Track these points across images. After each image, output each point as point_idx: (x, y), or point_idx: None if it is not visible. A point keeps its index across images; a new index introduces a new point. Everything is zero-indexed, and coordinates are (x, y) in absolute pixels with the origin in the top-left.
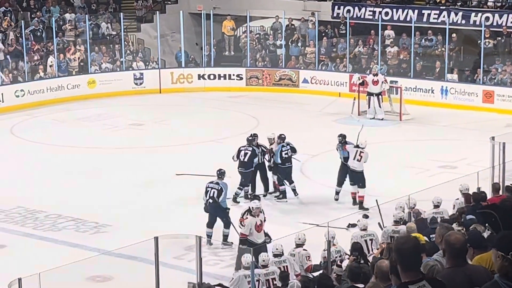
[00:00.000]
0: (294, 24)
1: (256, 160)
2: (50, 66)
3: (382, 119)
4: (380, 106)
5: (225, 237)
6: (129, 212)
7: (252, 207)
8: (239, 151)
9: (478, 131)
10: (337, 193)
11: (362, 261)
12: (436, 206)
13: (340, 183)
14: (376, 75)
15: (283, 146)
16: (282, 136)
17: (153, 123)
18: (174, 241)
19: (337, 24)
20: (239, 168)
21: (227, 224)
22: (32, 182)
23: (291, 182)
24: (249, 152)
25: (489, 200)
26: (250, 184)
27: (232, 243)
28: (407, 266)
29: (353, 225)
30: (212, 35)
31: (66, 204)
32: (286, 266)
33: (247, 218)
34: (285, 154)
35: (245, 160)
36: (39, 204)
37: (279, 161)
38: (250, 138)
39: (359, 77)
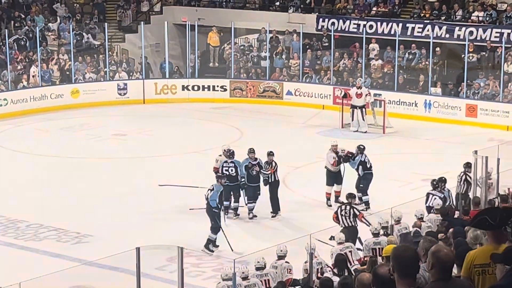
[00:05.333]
0: (278, 36)
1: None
2: (33, 76)
3: (365, 132)
4: (363, 119)
5: (208, 241)
6: (111, 222)
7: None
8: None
9: (461, 144)
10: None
11: (346, 273)
12: (420, 219)
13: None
14: (360, 88)
15: (225, 162)
16: (231, 151)
17: (136, 133)
18: (156, 252)
19: (321, 37)
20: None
21: (214, 228)
22: (14, 192)
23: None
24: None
25: (471, 214)
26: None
27: (213, 251)
28: (405, 273)
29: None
30: (197, 46)
31: (48, 214)
32: (268, 280)
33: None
34: (225, 170)
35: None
36: (20, 214)
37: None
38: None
39: (341, 90)
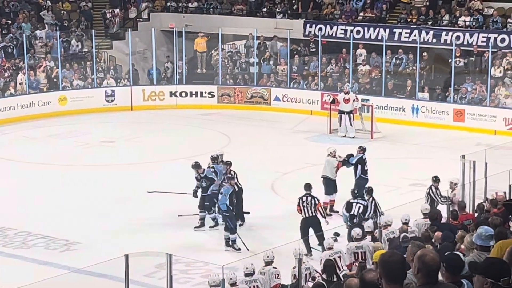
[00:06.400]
0: (266, 42)
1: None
2: (20, 83)
3: (353, 137)
4: (351, 125)
5: (232, 241)
6: (99, 229)
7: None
8: None
9: (448, 149)
10: None
11: (335, 278)
12: (405, 224)
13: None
14: (348, 93)
15: (207, 167)
16: (214, 156)
17: (124, 140)
18: (145, 258)
19: (309, 42)
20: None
21: (230, 229)
22: (1, 199)
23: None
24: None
25: (460, 218)
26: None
27: (240, 249)
28: (392, 279)
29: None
30: (184, 52)
31: (37, 221)
32: (257, 286)
33: None
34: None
35: None
36: (9, 221)
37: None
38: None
39: (329, 96)
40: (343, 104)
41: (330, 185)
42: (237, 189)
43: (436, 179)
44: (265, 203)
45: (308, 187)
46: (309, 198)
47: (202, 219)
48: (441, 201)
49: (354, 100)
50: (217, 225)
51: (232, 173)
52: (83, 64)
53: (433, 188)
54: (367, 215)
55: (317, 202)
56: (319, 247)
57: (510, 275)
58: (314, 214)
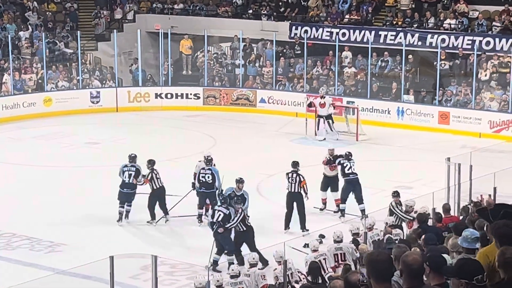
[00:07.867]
0: (252, 44)
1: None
2: (4, 83)
3: (337, 140)
4: (331, 129)
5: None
6: (84, 231)
7: None
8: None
9: (433, 151)
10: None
11: (320, 281)
12: (390, 226)
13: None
14: (323, 97)
15: (202, 168)
16: (209, 158)
17: (109, 141)
18: (130, 260)
19: (294, 45)
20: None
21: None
22: None
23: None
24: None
25: (443, 221)
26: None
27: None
28: (381, 278)
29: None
30: (170, 54)
31: (21, 222)
32: None
33: None
34: (202, 177)
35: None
36: None
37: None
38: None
39: (307, 98)
40: (319, 108)
41: (325, 182)
42: (155, 188)
43: (395, 194)
44: (250, 205)
45: (295, 164)
46: (294, 175)
47: (120, 213)
48: (403, 217)
49: (330, 105)
50: (120, 220)
51: (149, 173)
52: (69, 65)
53: (393, 203)
54: (229, 224)
55: (302, 179)
56: (306, 249)
57: (483, 272)
58: (298, 190)
